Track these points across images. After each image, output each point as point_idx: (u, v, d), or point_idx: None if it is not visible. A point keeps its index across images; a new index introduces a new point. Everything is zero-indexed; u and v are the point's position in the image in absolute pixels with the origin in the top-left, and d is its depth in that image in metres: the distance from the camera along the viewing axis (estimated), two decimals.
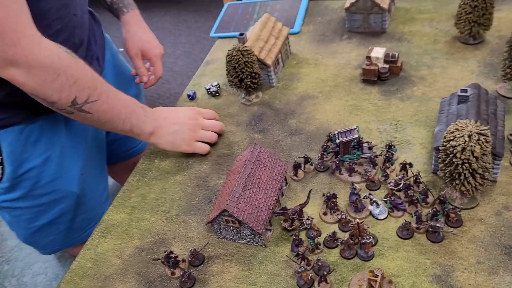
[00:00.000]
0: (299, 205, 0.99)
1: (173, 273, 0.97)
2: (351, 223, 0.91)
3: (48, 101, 0.99)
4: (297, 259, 0.91)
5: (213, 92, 1.41)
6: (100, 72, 1.30)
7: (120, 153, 1.56)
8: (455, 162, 0.91)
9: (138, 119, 1.13)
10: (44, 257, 1.56)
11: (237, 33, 1.66)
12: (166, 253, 0.96)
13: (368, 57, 1.30)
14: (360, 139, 1.05)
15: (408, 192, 0.98)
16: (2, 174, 1.18)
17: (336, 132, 1.06)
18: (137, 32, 1.42)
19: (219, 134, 1.27)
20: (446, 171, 0.94)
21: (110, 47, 1.46)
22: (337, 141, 1.04)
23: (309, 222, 0.96)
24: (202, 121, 1.23)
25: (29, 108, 1.12)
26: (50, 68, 0.94)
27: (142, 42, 1.42)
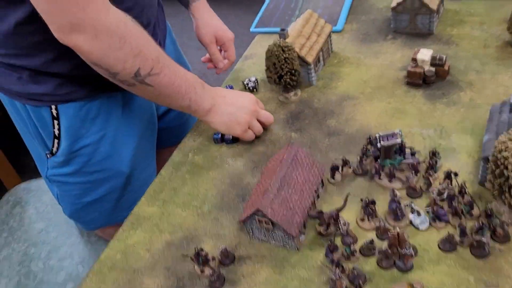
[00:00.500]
0: (336, 209, 0.95)
1: (202, 271, 0.95)
2: (391, 232, 0.86)
3: (111, 71, 0.98)
4: (332, 266, 0.87)
5: (251, 88, 1.38)
6: None
7: (166, 139, 1.54)
8: (506, 174, 0.85)
9: (197, 95, 1.11)
10: (70, 241, 1.57)
11: (277, 29, 1.62)
12: (196, 250, 0.94)
13: (414, 59, 1.24)
14: (403, 143, 1.00)
15: (452, 202, 0.93)
16: (58, 148, 1.20)
17: (377, 135, 1.01)
18: (209, 19, 1.43)
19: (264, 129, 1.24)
20: (495, 183, 0.88)
21: (170, 34, 1.47)
22: (378, 144, 0.99)
23: (346, 227, 0.92)
24: (258, 109, 1.21)
25: (91, 84, 1.13)
26: (116, 35, 0.93)
27: (215, 28, 1.43)
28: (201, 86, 1.14)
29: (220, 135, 1.24)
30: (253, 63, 1.50)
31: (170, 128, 1.52)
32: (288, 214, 0.92)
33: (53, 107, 1.14)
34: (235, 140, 1.23)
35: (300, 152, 1.02)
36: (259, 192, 0.97)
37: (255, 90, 1.38)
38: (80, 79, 1.12)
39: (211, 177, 1.17)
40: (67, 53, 0.98)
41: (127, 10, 1.00)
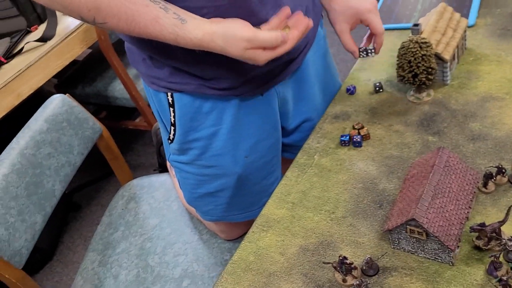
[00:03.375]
0: (498, 222, 0.85)
1: (344, 280, 0.90)
2: None
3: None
4: (499, 286, 0.78)
5: (378, 88, 1.31)
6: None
7: (291, 154, 1.41)
8: None
9: (173, 34, 0.94)
10: (183, 238, 1.59)
11: (399, 25, 1.54)
12: (340, 258, 0.89)
13: None
14: None
15: None
16: (174, 135, 1.22)
17: None
18: (338, 3, 1.20)
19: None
20: None
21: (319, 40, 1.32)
22: None
23: (511, 243, 0.82)
24: (255, 37, 0.93)
25: (200, 80, 1.12)
26: None
27: (343, 14, 1.19)
28: (176, 25, 0.93)
29: (348, 137, 1.18)
30: (375, 62, 1.42)
31: (296, 147, 1.35)
32: (444, 225, 0.84)
33: (169, 94, 1.15)
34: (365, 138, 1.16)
35: (453, 157, 0.93)
36: (409, 199, 0.89)
37: (381, 90, 1.31)
38: (189, 73, 1.11)
39: (341, 181, 1.11)
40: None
41: None
